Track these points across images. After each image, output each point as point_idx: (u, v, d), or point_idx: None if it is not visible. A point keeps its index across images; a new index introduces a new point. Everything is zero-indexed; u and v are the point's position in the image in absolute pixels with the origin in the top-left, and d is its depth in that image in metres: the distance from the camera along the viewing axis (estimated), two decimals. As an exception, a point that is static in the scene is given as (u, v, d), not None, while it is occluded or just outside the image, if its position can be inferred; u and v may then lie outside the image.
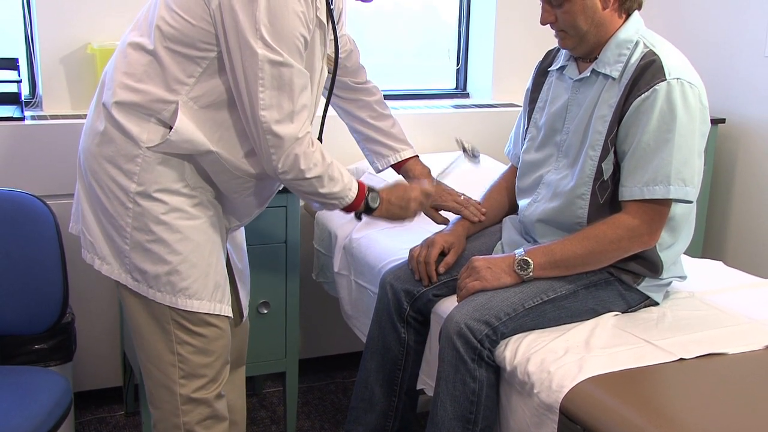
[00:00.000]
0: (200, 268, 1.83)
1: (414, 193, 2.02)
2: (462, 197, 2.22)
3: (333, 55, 1.95)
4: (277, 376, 2.89)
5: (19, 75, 2.70)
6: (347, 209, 1.93)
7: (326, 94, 2.04)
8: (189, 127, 1.76)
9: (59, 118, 2.68)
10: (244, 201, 1.94)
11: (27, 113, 2.69)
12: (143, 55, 1.77)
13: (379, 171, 2.28)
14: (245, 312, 2.14)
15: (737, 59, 3.22)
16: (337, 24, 1.95)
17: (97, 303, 2.77)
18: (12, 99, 2.72)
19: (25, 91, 2.82)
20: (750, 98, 3.20)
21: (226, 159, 1.81)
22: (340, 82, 2.16)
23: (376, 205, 1.96)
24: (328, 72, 1.97)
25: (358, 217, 1.99)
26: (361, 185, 1.93)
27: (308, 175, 1.80)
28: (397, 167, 2.25)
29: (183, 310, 1.83)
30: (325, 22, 1.83)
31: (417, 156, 2.26)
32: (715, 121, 3.18)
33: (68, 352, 2.47)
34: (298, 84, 1.73)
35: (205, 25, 1.71)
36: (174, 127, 1.74)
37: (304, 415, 2.92)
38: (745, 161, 3.26)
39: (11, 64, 2.71)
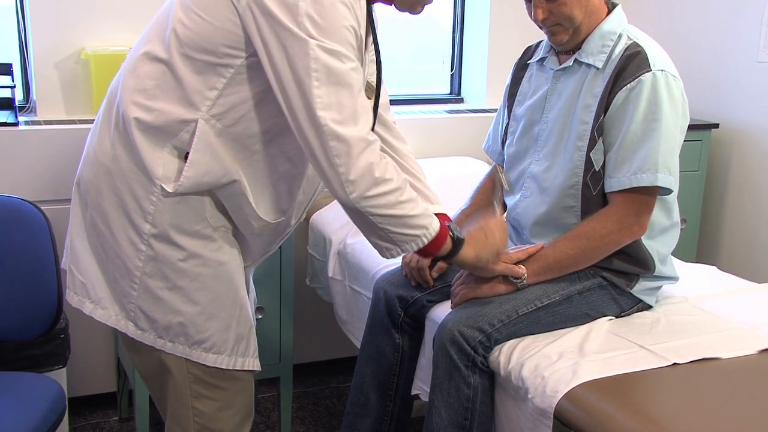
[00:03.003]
0: (220, 319, 1.62)
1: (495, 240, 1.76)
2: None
3: (375, 79, 1.67)
4: (271, 381, 2.88)
5: (12, 80, 2.70)
6: (432, 246, 1.58)
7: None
8: (205, 159, 1.51)
9: (53, 124, 2.67)
10: (264, 239, 1.71)
11: (21, 118, 2.68)
12: (156, 66, 1.51)
13: None
14: None
15: (731, 64, 3.23)
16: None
17: (91, 308, 2.76)
18: (6, 104, 2.72)
19: (18, 96, 2.82)
20: (744, 103, 3.21)
21: (248, 190, 1.57)
22: (383, 120, 1.86)
23: (463, 236, 1.65)
24: (368, 98, 1.65)
25: (435, 261, 1.68)
26: (439, 214, 1.63)
27: (385, 188, 1.47)
28: None
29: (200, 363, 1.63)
30: (363, 35, 1.54)
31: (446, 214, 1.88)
32: (709, 126, 3.18)
33: (62, 358, 2.47)
34: (356, 80, 1.45)
35: (230, 26, 1.45)
36: (188, 161, 1.51)
37: (298, 420, 2.91)
38: (738, 166, 3.27)
39: (5, 69, 2.70)
